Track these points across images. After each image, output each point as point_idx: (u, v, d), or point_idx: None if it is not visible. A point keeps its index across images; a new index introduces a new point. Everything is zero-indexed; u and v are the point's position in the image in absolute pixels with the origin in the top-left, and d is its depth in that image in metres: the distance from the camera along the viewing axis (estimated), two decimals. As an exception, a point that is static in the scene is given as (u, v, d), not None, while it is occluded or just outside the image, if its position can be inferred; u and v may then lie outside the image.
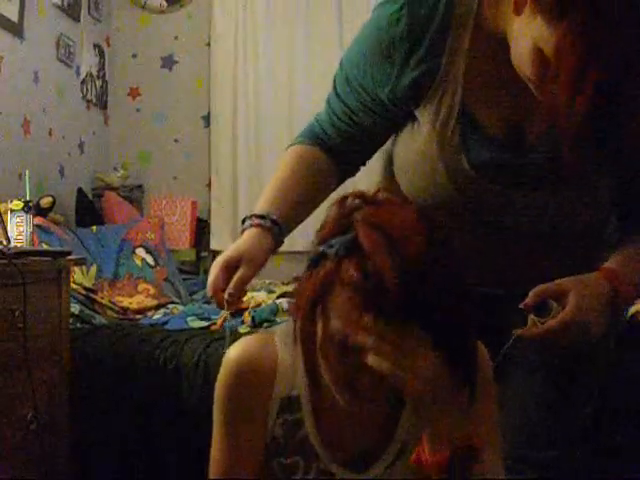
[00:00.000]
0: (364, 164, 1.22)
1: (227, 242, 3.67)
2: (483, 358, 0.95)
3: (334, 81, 1.16)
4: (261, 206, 1.09)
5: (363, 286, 0.76)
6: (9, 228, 1.89)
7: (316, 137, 1.18)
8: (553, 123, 0.95)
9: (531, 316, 0.97)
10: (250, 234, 1.06)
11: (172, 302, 2.79)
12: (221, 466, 0.96)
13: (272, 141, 3.67)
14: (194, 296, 3.01)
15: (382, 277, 0.75)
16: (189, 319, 2.35)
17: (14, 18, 2.80)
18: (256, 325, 2.18)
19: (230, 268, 1.02)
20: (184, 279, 3.20)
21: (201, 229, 3.68)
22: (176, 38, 3.84)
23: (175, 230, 3.50)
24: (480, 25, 1.00)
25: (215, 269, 1.03)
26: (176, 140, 3.84)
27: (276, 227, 1.07)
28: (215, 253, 3.72)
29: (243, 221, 1.09)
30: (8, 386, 1.67)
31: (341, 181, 1.21)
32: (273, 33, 3.71)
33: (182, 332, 2.17)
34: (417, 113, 1.07)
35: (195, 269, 3.57)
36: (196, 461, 1.91)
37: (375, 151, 1.19)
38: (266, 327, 2.12)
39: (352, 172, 1.22)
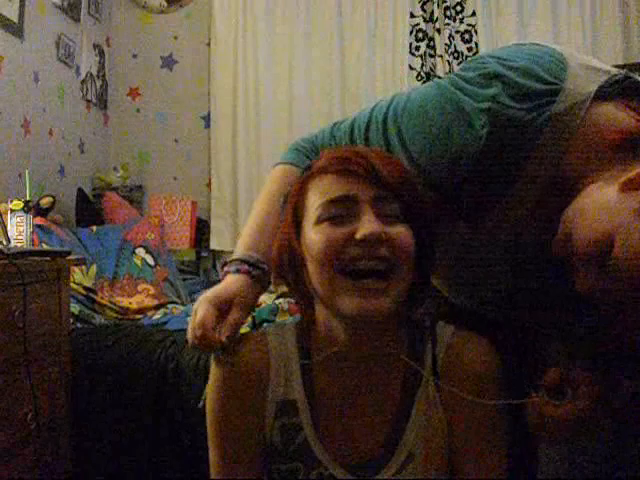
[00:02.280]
0: None
1: (227, 242, 3.68)
2: (486, 354, 0.96)
3: (369, 117, 1.03)
4: (247, 245, 1.04)
5: (347, 158, 0.90)
6: (9, 228, 1.89)
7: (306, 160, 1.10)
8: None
9: (543, 395, 0.93)
10: (238, 279, 0.99)
11: (172, 302, 2.79)
12: (220, 472, 0.96)
13: (272, 141, 3.68)
14: (194, 296, 3.01)
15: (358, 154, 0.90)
16: (189, 319, 2.34)
17: (14, 18, 2.80)
18: (256, 325, 2.18)
19: (221, 307, 0.96)
20: (184, 279, 3.20)
21: (201, 229, 3.68)
22: (176, 38, 3.84)
23: (175, 230, 3.50)
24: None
25: (204, 306, 0.95)
26: (176, 140, 3.84)
27: (264, 276, 1.01)
28: (215, 253, 3.72)
29: (225, 264, 1.02)
30: (8, 386, 1.67)
31: None
32: (273, 33, 3.71)
33: (182, 332, 2.17)
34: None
35: (195, 269, 3.57)
36: (196, 461, 1.91)
37: None
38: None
39: None
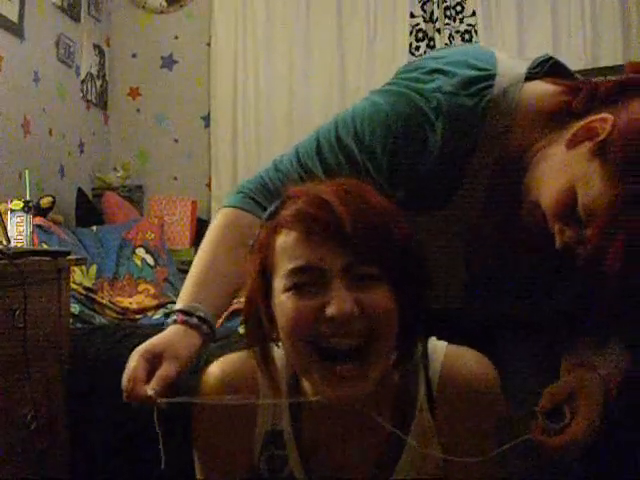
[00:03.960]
0: None
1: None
2: (484, 368, 0.91)
3: (318, 143, 1.03)
4: (189, 296, 0.99)
5: (311, 213, 0.80)
6: (9, 228, 1.89)
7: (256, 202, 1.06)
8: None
9: (543, 421, 0.91)
10: (175, 330, 0.95)
11: (172, 302, 2.79)
12: None
13: (272, 141, 3.68)
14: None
15: (327, 201, 0.80)
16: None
17: (14, 18, 2.80)
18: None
19: (152, 360, 0.91)
20: (184, 279, 3.20)
21: (201, 229, 3.68)
22: (176, 38, 3.84)
23: (175, 230, 3.50)
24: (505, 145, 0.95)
25: (135, 359, 0.92)
26: (176, 140, 3.84)
27: (204, 325, 0.95)
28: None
29: (167, 315, 0.99)
30: (8, 386, 1.67)
31: None
32: (273, 33, 3.71)
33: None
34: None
35: (195, 269, 3.57)
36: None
37: None
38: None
39: None
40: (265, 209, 1.00)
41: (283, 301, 0.82)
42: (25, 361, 1.69)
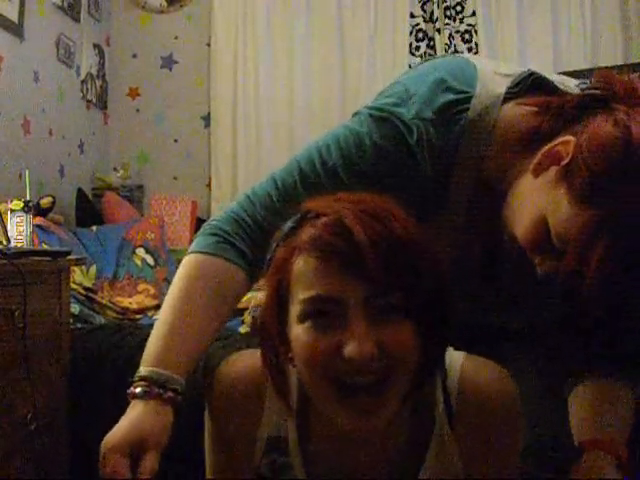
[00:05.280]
0: None
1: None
2: (503, 380, 0.87)
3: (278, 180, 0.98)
4: (156, 356, 0.88)
5: (327, 238, 0.75)
6: (9, 228, 1.89)
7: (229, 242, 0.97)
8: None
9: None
10: (147, 409, 0.85)
11: (172, 302, 2.79)
12: None
13: (272, 141, 3.68)
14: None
15: (343, 221, 0.75)
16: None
17: (14, 18, 2.80)
18: (256, 325, 2.18)
19: (131, 453, 0.83)
20: (184, 279, 3.19)
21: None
22: (176, 38, 3.83)
23: (175, 230, 3.50)
24: (482, 174, 0.94)
25: (112, 458, 0.82)
26: (176, 140, 3.84)
27: (178, 397, 0.87)
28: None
29: (130, 383, 0.88)
30: (8, 386, 1.67)
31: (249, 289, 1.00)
32: (273, 33, 3.71)
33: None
34: None
35: (195, 269, 3.57)
36: (195, 461, 1.91)
37: None
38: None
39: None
40: (242, 252, 0.95)
41: (299, 333, 0.77)
42: (25, 361, 1.69)
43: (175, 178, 3.83)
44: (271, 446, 0.88)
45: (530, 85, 0.93)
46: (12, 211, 1.92)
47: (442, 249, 0.94)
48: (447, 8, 3.57)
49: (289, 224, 0.82)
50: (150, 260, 2.96)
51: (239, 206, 1.00)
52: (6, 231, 1.85)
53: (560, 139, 0.84)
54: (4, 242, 1.81)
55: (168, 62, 3.84)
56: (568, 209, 0.80)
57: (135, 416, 0.85)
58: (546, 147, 0.85)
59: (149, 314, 2.60)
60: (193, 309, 0.92)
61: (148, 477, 0.82)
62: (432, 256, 0.80)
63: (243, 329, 2.16)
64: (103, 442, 0.84)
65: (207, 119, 3.82)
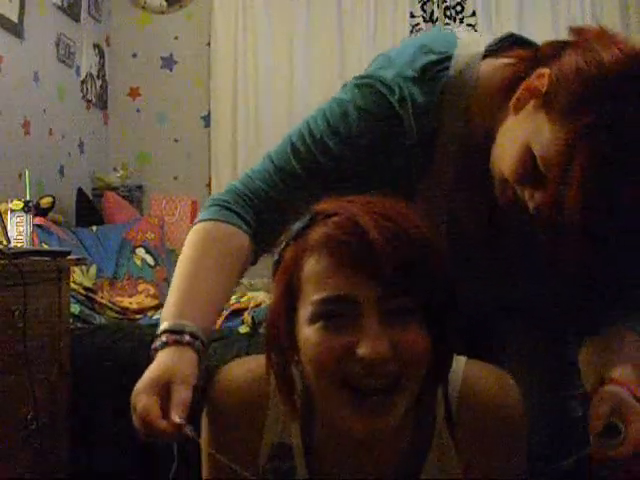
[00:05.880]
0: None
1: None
2: (507, 387, 0.85)
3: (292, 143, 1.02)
4: (172, 314, 0.90)
5: (337, 237, 0.75)
6: (9, 228, 1.90)
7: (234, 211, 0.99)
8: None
9: (599, 441, 0.88)
10: (169, 354, 0.86)
11: (172, 302, 2.78)
12: None
13: (272, 141, 3.64)
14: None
15: (355, 220, 0.74)
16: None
17: (14, 18, 2.80)
18: (256, 326, 2.18)
19: (160, 393, 0.83)
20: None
21: (201, 229, 3.67)
22: (176, 38, 3.83)
23: (175, 230, 3.50)
24: (469, 127, 0.96)
25: (141, 400, 0.83)
26: (176, 140, 3.83)
27: (197, 341, 0.88)
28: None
29: (151, 340, 0.89)
30: (8, 386, 1.67)
31: (255, 260, 1.02)
32: (273, 33, 3.71)
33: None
34: None
35: (195, 269, 3.56)
36: (195, 461, 1.91)
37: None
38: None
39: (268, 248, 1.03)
40: (244, 219, 0.97)
41: (310, 335, 0.76)
42: (25, 361, 1.69)
43: (175, 178, 3.83)
44: (275, 453, 0.87)
45: (510, 44, 0.96)
46: (12, 211, 1.93)
47: (432, 218, 0.95)
48: (447, 8, 3.57)
49: (298, 225, 0.81)
50: (150, 260, 2.97)
51: (239, 182, 1.02)
52: (6, 231, 1.85)
53: (536, 73, 0.86)
54: (4, 242, 1.81)
55: (168, 62, 3.84)
56: (549, 130, 0.82)
57: (158, 362, 0.86)
58: (523, 83, 0.87)
59: (149, 314, 2.60)
60: (202, 268, 0.94)
61: (183, 408, 0.81)
62: (444, 258, 0.79)
63: (243, 329, 2.16)
64: (133, 393, 0.85)
65: (207, 119, 3.82)
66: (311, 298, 0.76)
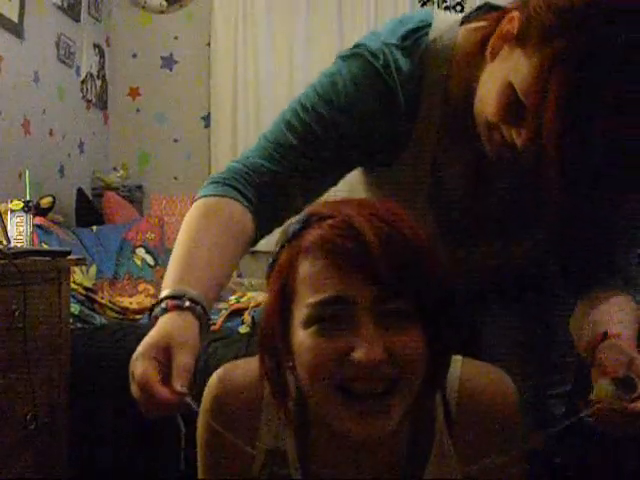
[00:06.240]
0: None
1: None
2: (504, 386, 0.85)
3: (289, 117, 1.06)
4: (173, 281, 0.89)
5: (336, 241, 0.73)
6: (9, 228, 1.90)
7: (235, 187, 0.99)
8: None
9: (617, 391, 0.85)
10: (170, 319, 0.84)
11: (172, 302, 2.78)
12: None
13: (272, 141, 3.67)
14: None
15: (352, 222, 0.74)
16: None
17: (14, 18, 2.80)
18: (256, 326, 2.18)
19: (160, 357, 0.80)
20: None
21: (201, 229, 3.67)
22: (176, 38, 3.84)
23: (175, 230, 3.47)
24: (450, 89, 0.98)
25: (140, 364, 0.80)
26: (176, 140, 3.84)
27: (197, 306, 0.85)
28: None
29: (151, 309, 0.87)
30: (8, 386, 1.67)
31: (256, 240, 1.01)
32: (273, 33, 3.71)
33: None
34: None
35: (195, 269, 3.57)
36: (195, 461, 1.91)
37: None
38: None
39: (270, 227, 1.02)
40: (244, 194, 0.97)
41: (304, 339, 0.75)
42: (25, 361, 1.69)
43: (175, 178, 3.83)
44: (270, 458, 0.86)
45: (485, 12, 0.99)
46: (12, 211, 1.93)
47: (417, 187, 1.01)
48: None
49: (293, 227, 0.80)
50: (150, 260, 2.97)
51: (236, 161, 1.04)
52: (6, 231, 1.85)
53: (506, 18, 0.88)
54: (4, 242, 1.81)
55: (168, 62, 3.84)
56: (526, 64, 0.83)
57: (157, 327, 0.84)
58: (496, 31, 0.90)
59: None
60: (203, 240, 0.92)
61: (184, 373, 0.78)
62: (440, 261, 0.78)
63: (243, 329, 2.16)
64: (131, 359, 0.82)
65: (207, 119, 3.82)
66: (306, 301, 0.75)
